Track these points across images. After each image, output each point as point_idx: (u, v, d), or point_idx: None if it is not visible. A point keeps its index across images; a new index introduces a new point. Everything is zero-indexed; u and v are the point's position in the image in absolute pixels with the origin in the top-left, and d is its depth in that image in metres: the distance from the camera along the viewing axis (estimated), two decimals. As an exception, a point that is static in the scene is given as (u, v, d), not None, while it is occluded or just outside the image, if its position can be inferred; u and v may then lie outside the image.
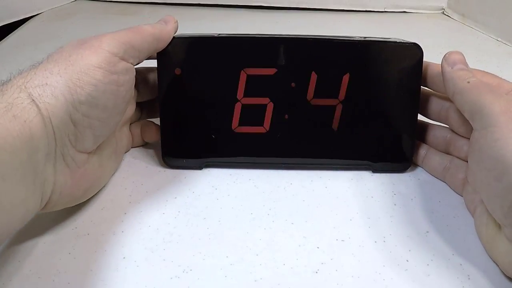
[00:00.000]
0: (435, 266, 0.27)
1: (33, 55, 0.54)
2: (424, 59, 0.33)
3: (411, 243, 0.29)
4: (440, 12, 0.73)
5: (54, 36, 0.60)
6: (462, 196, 0.32)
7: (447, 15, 0.72)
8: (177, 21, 0.33)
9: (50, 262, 0.27)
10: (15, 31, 0.62)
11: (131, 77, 0.29)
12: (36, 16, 0.67)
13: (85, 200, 0.31)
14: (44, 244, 0.28)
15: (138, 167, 0.36)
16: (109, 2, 0.72)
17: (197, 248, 0.29)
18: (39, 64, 0.26)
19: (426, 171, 0.35)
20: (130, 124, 0.36)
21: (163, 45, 0.32)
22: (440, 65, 0.31)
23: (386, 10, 0.70)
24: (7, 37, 0.60)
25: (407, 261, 0.28)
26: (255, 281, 0.26)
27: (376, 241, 0.29)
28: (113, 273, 0.27)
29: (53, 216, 0.30)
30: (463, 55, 0.30)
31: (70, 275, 0.26)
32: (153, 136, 0.36)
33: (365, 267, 0.27)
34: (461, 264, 0.28)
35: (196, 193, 0.33)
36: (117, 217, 0.31)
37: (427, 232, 0.30)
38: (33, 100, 0.24)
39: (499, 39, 0.63)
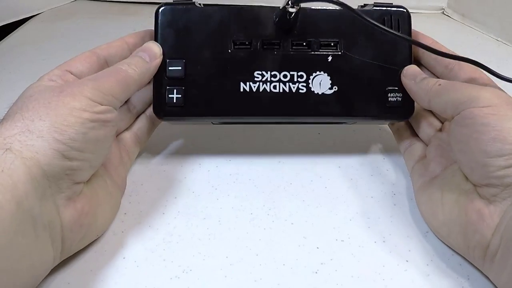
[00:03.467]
0: (434, 266, 0.28)
1: (33, 55, 0.54)
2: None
3: (410, 243, 0.29)
4: (440, 12, 0.73)
5: (54, 36, 0.60)
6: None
7: (447, 15, 0.72)
8: (161, 53, 0.31)
9: (50, 262, 0.27)
10: (15, 31, 0.62)
11: (115, 114, 0.28)
12: (36, 16, 0.67)
13: (100, 234, 0.29)
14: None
15: (138, 167, 0.36)
16: (109, 2, 0.72)
17: (197, 248, 0.29)
18: (9, 114, 0.25)
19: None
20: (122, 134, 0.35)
21: (144, 84, 0.31)
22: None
23: (386, 10, 0.70)
24: (7, 37, 0.60)
25: (407, 261, 0.28)
26: (255, 281, 0.26)
27: (376, 241, 0.29)
28: (113, 273, 0.27)
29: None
30: (417, 67, 0.32)
31: (70, 275, 0.26)
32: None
33: (364, 267, 0.28)
34: (460, 264, 0.28)
35: (196, 193, 0.33)
36: (117, 217, 0.31)
37: (427, 232, 0.30)
38: (7, 149, 0.23)
39: (499, 39, 0.63)
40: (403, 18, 0.33)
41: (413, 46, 0.33)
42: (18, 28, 0.63)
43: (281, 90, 0.32)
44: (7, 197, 0.21)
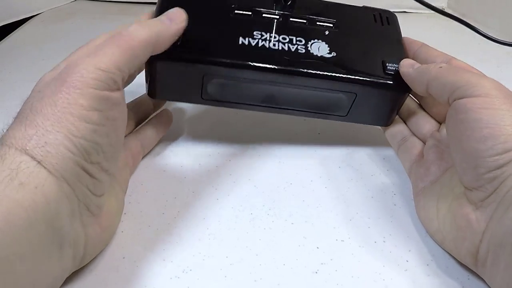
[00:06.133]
0: (435, 266, 0.28)
1: (33, 55, 0.54)
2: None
3: (411, 243, 0.29)
4: (440, 12, 0.73)
5: (54, 36, 0.60)
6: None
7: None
8: (185, 20, 0.28)
9: (50, 262, 0.27)
10: (15, 31, 0.62)
11: (124, 105, 0.26)
12: (36, 16, 0.67)
13: (110, 240, 0.29)
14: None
15: (138, 167, 0.36)
16: (109, 2, 0.72)
17: (197, 248, 0.29)
18: (23, 116, 0.23)
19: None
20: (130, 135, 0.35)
21: (161, 49, 0.27)
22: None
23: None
24: (7, 37, 0.60)
25: (407, 261, 0.28)
26: (255, 281, 0.26)
27: (376, 241, 0.29)
28: (113, 273, 0.27)
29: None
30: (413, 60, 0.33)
31: (69, 276, 0.26)
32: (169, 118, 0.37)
33: (365, 267, 0.27)
34: (460, 265, 0.28)
35: (196, 193, 0.33)
36: (117, 217, 0.31)
37: (427, 232, 0.30)
38: (39, 162, 0.21)
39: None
40: (391, 16, 0.37)
41: (405, 43, 0.35)
42: (18, 28, 0.63)
43: (280, 48, 0.32)
44: (38, 216, 0.21)
